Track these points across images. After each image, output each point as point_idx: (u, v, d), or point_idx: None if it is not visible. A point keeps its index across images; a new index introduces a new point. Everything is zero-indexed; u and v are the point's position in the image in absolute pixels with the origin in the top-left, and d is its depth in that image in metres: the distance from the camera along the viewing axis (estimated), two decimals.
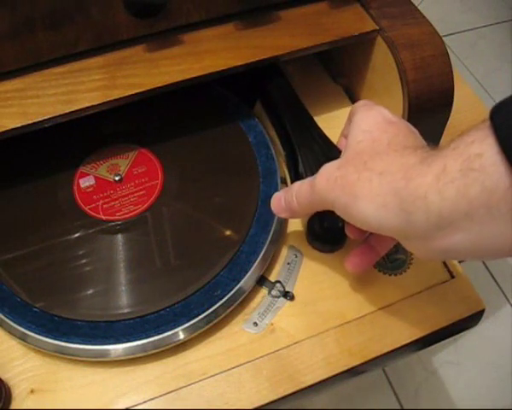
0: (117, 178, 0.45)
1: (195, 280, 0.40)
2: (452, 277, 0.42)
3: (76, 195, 0.44)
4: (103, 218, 0.43)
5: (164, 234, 0.42)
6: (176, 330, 0.38)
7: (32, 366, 0.38)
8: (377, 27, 0.45)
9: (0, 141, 0.38)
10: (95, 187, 0.45)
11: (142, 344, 0.37)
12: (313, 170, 0.41)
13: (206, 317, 0.38)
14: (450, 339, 0.42)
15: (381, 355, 0.38)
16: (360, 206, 0.31)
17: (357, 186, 0.31)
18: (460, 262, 0.43)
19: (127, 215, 0.43)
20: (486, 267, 1.11)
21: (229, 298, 0.39)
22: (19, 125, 0.38)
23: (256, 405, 0.36)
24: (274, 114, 0.48)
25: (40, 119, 0.38)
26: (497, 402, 0.95)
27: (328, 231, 0.42)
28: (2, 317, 0.39)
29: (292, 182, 0.44)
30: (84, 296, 0.39)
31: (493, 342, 1.01)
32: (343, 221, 0.38)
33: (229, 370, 0.38)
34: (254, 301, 0.41)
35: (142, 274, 0.40)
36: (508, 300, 1.07)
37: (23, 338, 0.38)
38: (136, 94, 0.40)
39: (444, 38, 0.45)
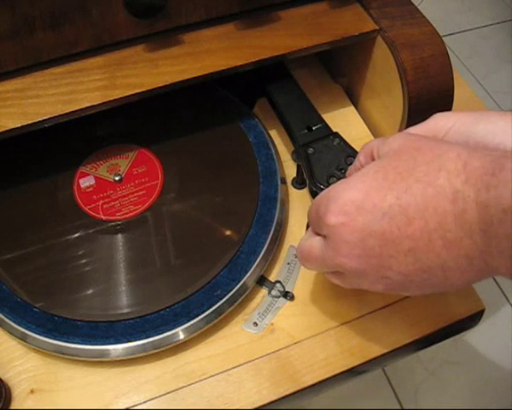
0: (117, 178, 0.45)
1: (195, 280, 0.40)
2: None
3: (76, 195, 0.44)
4: (103, 218, 0.43)
5: (164, 234, 0.42)
6: (176, 330, 0.38)
7: (32, 366, 0.38)
8: (377, 27, 0.45)
9: (0, 141, 0.38)
10: (95, 187, 0.45)
11: (142, 344, 0.37)
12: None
13: (206, 317, 0.38)
14: (450, 339, 0.42)
15: (381, 355, 0.38)
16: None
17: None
18: None
19: (127, 215, 0.43)
20: None
21: (229, 298, 0.39)
22: (19, 125, 0.38)
23: (256, 405, 0.36)
24: (281, 111, 0.48)
25: (40, 119, 0.38)
26: (497, 402, 0.95)
27: None
28: (2, 317, 0.39)
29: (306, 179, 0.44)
30: (84, 296, 0.39)
31: (493, 342, 1.01)
32: None
33: (229, 370, 0.38)
34: (254, 301, 0.41)
35: (142, 274, 0.40)
36: (508, 300, 1.07)
37: (23, 338, 0.38)
38: (136, 94, 0.40)
39: (444, 38, 0.45)
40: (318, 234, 0.34)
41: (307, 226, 0.40)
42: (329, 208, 0.31)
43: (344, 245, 0.30)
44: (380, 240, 0.29)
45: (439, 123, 0.33)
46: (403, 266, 0.29)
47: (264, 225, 0.42)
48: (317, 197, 0.34)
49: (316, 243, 0.34)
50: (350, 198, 0.30)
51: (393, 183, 0.29)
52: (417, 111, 0.44)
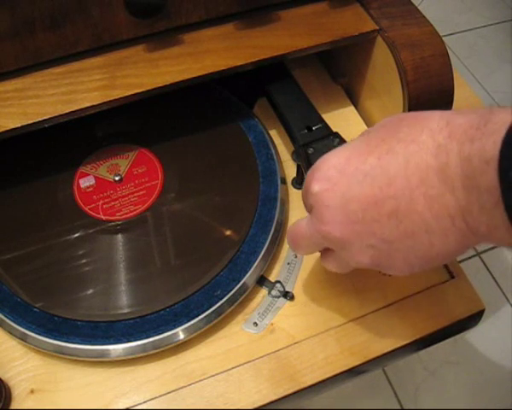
0: (117, 178, 0.45)
1: (195, 280, 0.40)
2: (452, 277, 0.42)
3: (76, 195, 0.44)
4: (103, 218, 0.43)
5: (164, 234, 0.42)
6: (176, 330, 0.38)
7: (32, 366, 0.38)
8: (377, 27, 0.45)
9: (0, 141, 0.38)
10: (95, 187, 0.45)
11: (142, 344, 0.37)
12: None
13: (206, 317, 0.38)
14: (450, 339, 0.42)
15: (381, 355, 0.38)
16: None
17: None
18: (460, 262, 0.43)
19: (127, 215, 0.43)
20: (486, 267, 1.11)
21: (229, 298, 0.39)
22: (19, 125, 0.38)
23: (256, 405, 0.36)
24: (281, 111, 0.48)
25: (40, 119, 0.38)
26: (497, 402, 0.95)
27: None
28: (2, 317, 0.39)
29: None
30: (84, 296, 0.39)
31: (493, 342, 1.01)
32: None
33: (229, 370, 0.38)
34: (254, 301, 0.41)
35: (142, 274, 0.40)
36: (508, 300, 1.07)
37: (23, 338, 0.38)
38: (136, 94, 0.40)
39: (444, 38, 0.45)
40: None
41: None
42: (313, 177, 0.31)
43: (326, 211, 0.30)
44: (362, 203, 0.29)
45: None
46: (386, 231, 0.28)
47: (264, 225, 0.42)
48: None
49: (302, 221, 0.34)
50: (332, 164, 0.31)
51: (375, 147, 0.29)
52: (417, 111, 0.44)
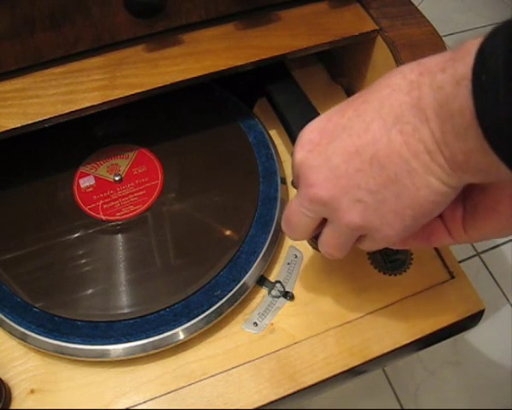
0: (117, 178, 0.45)
1: (195, 280, 0.40)
2: (452, 277, 0.42)
3: (76, 195, 0.44)
4: (103, 218, 0.43)
5: (164, 234, 0.42)
6: (176, 330, 0.38)
7: (32, 366, 0.38)
8: (377, 27, 0.45)
9: (0, 141, 0.38)
10: (95, 187, 0.45)
11: (142, 344, 0.37)
12: None
13: (206, 317, 0.38)
14: (450, 339, 0.42)
15: (381, 355, 0.38)
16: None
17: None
18: (460, 262, 0.43)
19: (127, 215, 0.43)
20: (486, 267, 1.11)
21: (229, 298, 0.39)
22: (19, 125, 0.38)
23: (256, 405, 0.36)
24: (281, 111, 0.48)
25: (40, 119, 0.38)
26: (497, 402, 0.95)
27: None
28: (2, 317, 0.39)
29: None
30: (84, 296, 0.39)
31: (493, 342, 1.01)
32: None
33: (229, 370, 0.38)
34: (254, 301, 0.41)
35: (142, 274, 0.40)
36: (508, 300, 1.07)
37: (23, 338, 0.38)
38: (136, 94, 0.40)
39: (444, 38, 0.45)
40: None
41: None
42: (296, 144, 0.31)
43: (311, 172, 0.30)
44: (343, 155, 0.29)
45: None
46: (370, 180, 0.28)
47: (264, 225, 0.42)
48: None
49: (292, 200, 0.33)
50: (313, 127, 0.31)
51: (351, 102, 0.30)
52: None
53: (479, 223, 0.31)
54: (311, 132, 0.31)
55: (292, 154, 0.32)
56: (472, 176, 0.26)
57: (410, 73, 0.27)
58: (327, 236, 0.33)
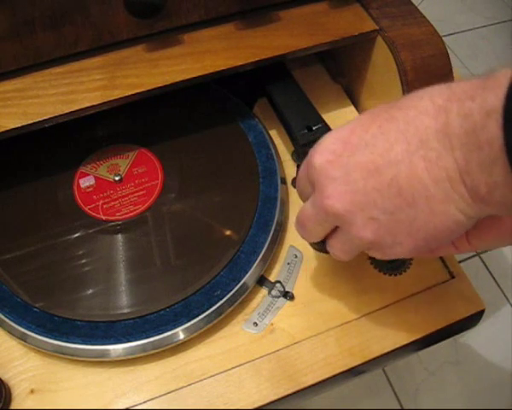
0: (117, 178, 0.45)
1: (195, 280, 0.40)
2: (452, 277, 0.42)
3: (76, 195, 0.44)
4: (103, 218, 0.43)
5: (164, 234, 0.42)
6: (176, 330, 0.38)
7: (31, 366, 0.38)
8: (377, 27, 0.45)
9: (0, 141, 0.38)
10: (95, 187, 0.45)
11: (142, 344, 0.37)
12: None
13: (206, 317, 0.38)
14: (450, 339, 0.42)
15: (381, 355, 0.38)
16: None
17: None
18: (460, 262, 0.43)
19: (127, 215, 0.43)
20: (486, 267, 1.11)
21: (229, 298, 0.39)
22: (19, 125, 0.38)
23: (256, 405, 0.36)
24: (281, 111, 0.48)
25: (40, 119, 0.39)
26: (497, 402, 0.95)
27: None
28: (2, 317, 0.39)
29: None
30: (84, 296, 0.39)
31: (493, 342, 1.01)
32: None
33: (229, 370, 0.38)
34: (254, 301, 0.41)
35: (142, 274, 0.40)
36: (508, 300, 1.07)
37: (23, 338, 0.38)
38: (136, 94, 0.40)
39: (444, 38, 0.45)
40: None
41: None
42: (316, 150, 0.31)
43: (329, 183, 0.30)
44: (363, 172, 0.29)
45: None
46: (387, 201, 0.28)
47: (264, 225, 0.42)
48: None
49: (307, 203, 0.33)
50: (336, 136, 0.31)
51: (377, 116, 0.29)
52: None
53: (482, 234, 0.31)
54: (333, 143, 0.30)
55: (309, 155, 0.32)
56: (494, 209, 0.26)
57: (438, 96, 0.26)
58: (337, 242, 0.33)
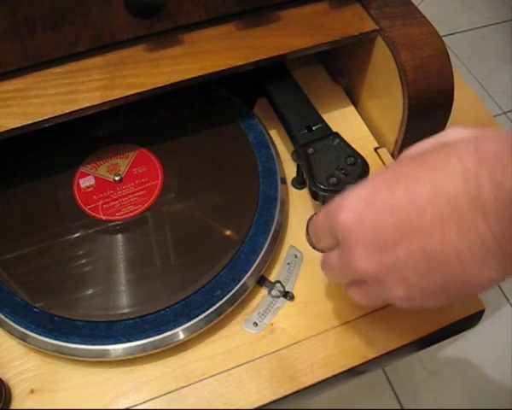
0: (117, 178, 0.45)
1: (195, 280, 0.40)
2: None
3: (76, 195, 0.44)
4: (103, 218, 0.43)
5: (164, 234, 0.42)
6: (176, 330, 0.38)
7: (32, 366, 0.38)
8: (377, 27, 0.45)
9: (0, 141, 0.38)
10: (95, 187, 0.45)
11: (142, 344, 0.37)
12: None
13: (206, 317, 0.38)
14: (450, 339, 0.42)
15: (381, 355, 0.38)
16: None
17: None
18: None
19: (127, 215, 0.43)
20: None
21: (229, 298, 0.39)
22: (19, 125, 0.38)
23: (256, 405, 0.36)
24: (281, 111, 0.48)
25: (40, 119, 0.38)
26: (497, 402, 0.95)
27: None
28: (2, 317, 0.39)
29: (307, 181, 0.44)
30: (84, 296, 0.39)
31: (493, 342, 1.01)
32: None
33: (229, 370, 0.38)
34: (254, 301, 0.41)
35: (142, 274, 0.40)
36: (508, 300, 1.07)
37: (23, 338, 0.38)
38: (136, 94, 0.40)
39: (444, 38, 0.45)
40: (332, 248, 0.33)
41: (307, 227, 0.41)
42: (340, 208, 0.31)
43: (358, 246, 0.30)
44: (393, 237, 0.28)
45: (451, 136, 0.30)
46: (419, 264, 0.28)
47: (264, 225, 0.42)
48: (324, 209, 0.33)
49: (332, 253, 0.33)
50: (359, 195, 0.30)
51: (401, 176, 0.28)
52: (417, 111, 0.44)
53: None
54: (355, 202, 0.30)
55: (333, 209, 0.31)
56: None
57: (466, 156, 0.25)
58: (360, 293, 0.34)
